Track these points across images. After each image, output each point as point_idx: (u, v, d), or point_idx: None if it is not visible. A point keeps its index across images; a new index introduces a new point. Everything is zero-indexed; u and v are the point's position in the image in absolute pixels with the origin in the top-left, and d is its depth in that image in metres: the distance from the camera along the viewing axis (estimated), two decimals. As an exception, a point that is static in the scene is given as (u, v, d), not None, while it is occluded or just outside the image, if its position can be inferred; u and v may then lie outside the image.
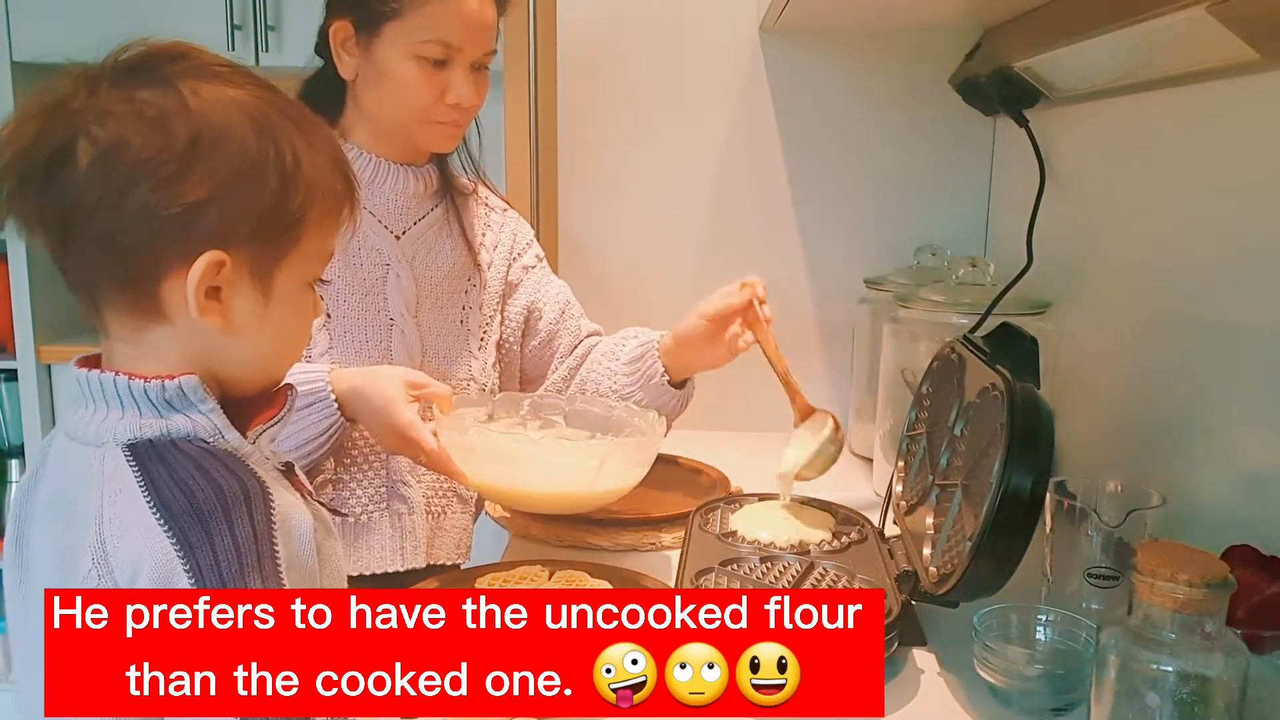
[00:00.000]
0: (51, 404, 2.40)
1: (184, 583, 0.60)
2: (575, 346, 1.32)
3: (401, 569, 1.18)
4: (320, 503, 0.75)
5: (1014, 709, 0.86)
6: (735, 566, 1.03)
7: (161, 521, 0.61)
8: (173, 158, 0.63)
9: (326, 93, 1.19)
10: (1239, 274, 0.96)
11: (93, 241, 0.64)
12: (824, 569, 1.03)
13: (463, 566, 1.27)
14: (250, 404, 0.72)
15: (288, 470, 0.72)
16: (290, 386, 0.75)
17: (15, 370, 2.36)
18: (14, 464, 2.48)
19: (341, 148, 0.73)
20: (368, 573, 1.16)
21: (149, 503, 0.62)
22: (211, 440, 0.66)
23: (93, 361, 0.69)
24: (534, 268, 1.32)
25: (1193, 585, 0.66)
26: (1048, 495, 0.94)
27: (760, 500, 1.22)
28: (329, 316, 1.16)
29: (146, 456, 0.64)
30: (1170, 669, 0.68)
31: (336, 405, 1.06)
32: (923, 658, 0.95)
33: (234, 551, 0.61)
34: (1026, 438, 0.86)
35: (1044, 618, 0.92)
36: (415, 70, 1.12)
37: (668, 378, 1.23)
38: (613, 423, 1.18)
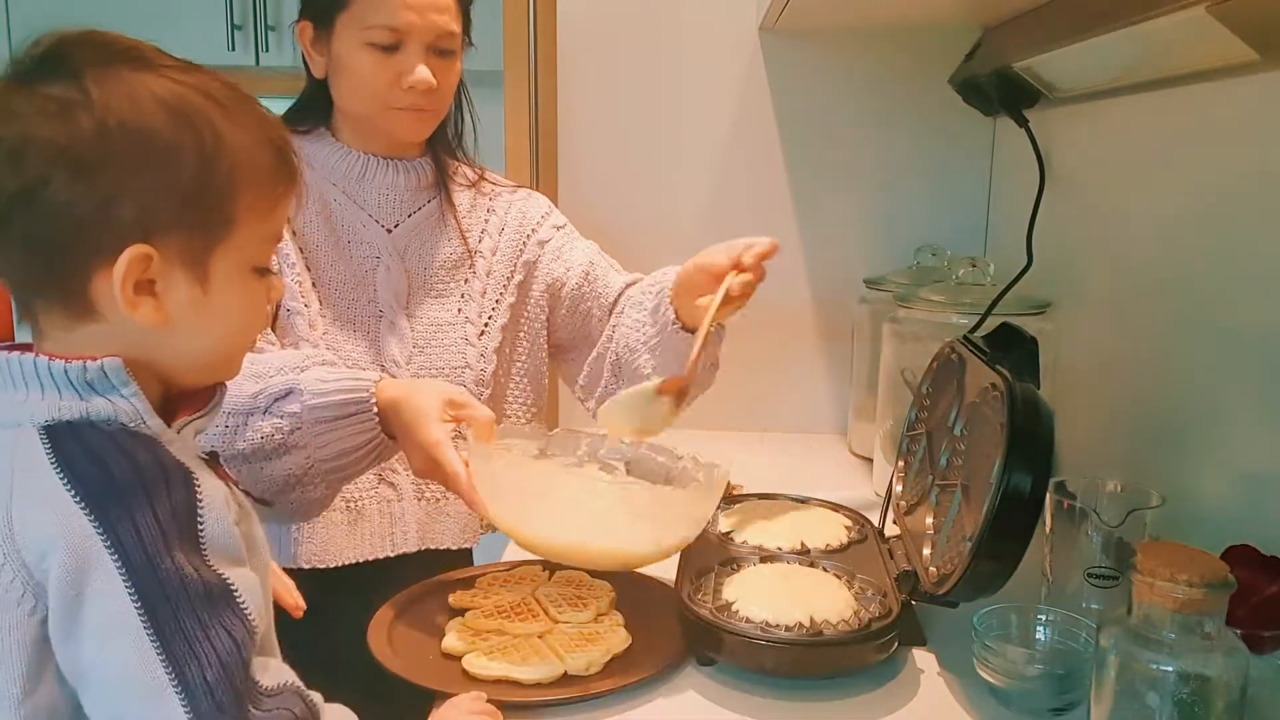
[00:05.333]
0: (51, 404, 2.39)
1: (105, 560, 0.59)
2: (613, 305, 1.28)
3: (392, 554, 1.19)
4: (245, 491, 0.73)
5: (1014, 709, 0.86)
6: (735, 566, 1.03)
7: (77, 499, 0.60)
8: (81, 150, 0.62)
9: (317, 98, 1.19)
10: (1239, 274, 0.96)
11: (15, 244, 0.63)
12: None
13: (474, 550, 1.28)
14: (182, 398, 0.70)
15: (211, 459, 0.70)
16: (219, 382, 0.73)
17: (15, 370, 2.36)
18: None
19: (279, 125, 0.70)
20: (361, 560, 1.17)
21: (63, 480, 0.60)
22: (132, 425, 0.64)
23: (22, 348, 0.67)
24: (550, 240, 1.29)
25: (1193, 585, 0.66)
26: (1048, 495, 0.94)
27: (760, 500, 1.22)
28: (321, 305, 1.15)
29: (61, 436, 0.62)
30: (1170, 669, 0.68)
31: (378, 418, 1.00)
32: (923, 658, 0.95)
33: (156, 527, 0.60)
34: (1026, 438, 0.86)
35: (1044, 618, 0.92)
36: (368, 59, 1.12)
37: (680, 324, 1.16)
38: (675, 474, 1.07)
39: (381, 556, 1.19)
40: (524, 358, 1.28)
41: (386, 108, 1.14)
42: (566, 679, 0.87)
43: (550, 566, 1.09)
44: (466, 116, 1.27)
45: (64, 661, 0.61)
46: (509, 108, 1.61)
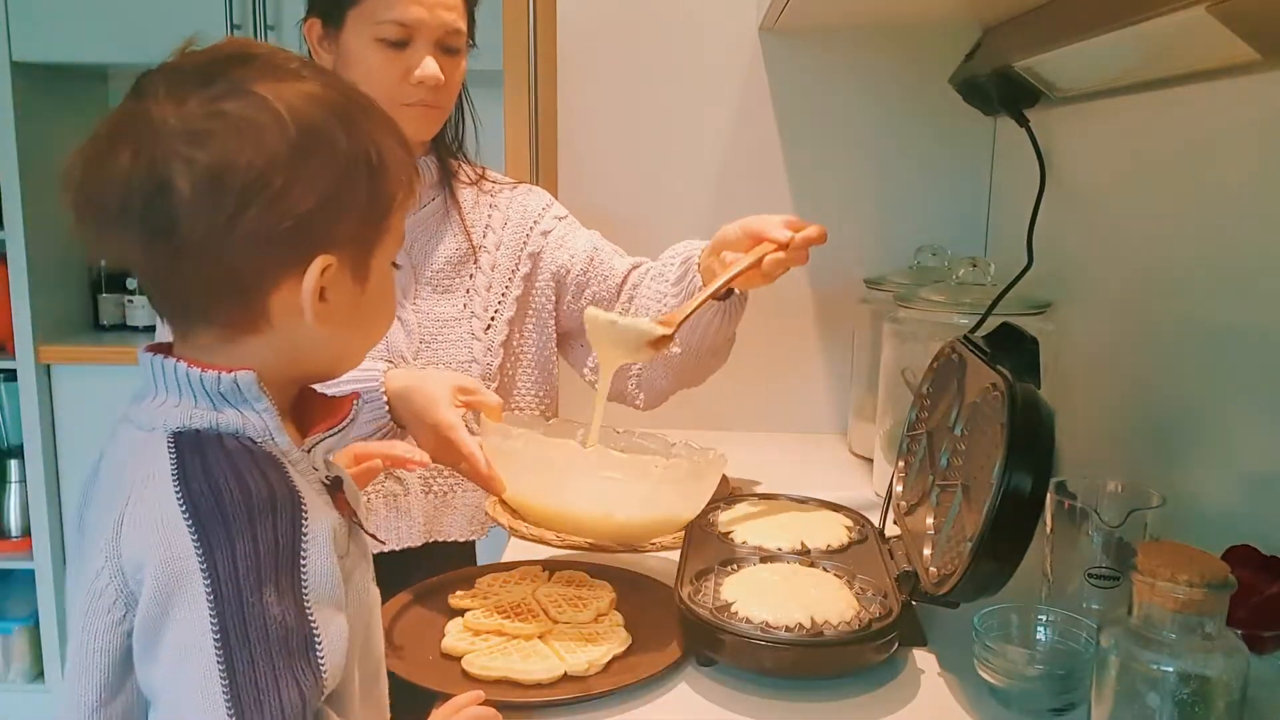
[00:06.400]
0: (51, 404, 2.40)
1: (197, 583, 0.58)
2: (620, 288, 1.29)
3: (397, 548, 1.21)
4: (363, 528, 0.72)
5: (1014, 709, 0.86)
6: (735, 566, 1.03)
7: (186, 515, 0.60)
8: (279, 172, 0.62)
9: None
10: (1239, 274, 0.96)
11: (202, 267, 0.63)
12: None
13: (476, 545, 1.29)
14: (312, 409, 0.71)
15: (335, 485, 0.69)
16: (356, 394, 0.73)
17: (15, 370, 2.36)
18: (13, 464, 2.47)
19: (391, 116, 0.72)
20: None
21: (178, 493, 0.60)
22: (260, 441, 0.64)
23: (163, 349, 0.68)
24: (552, 231, 1.31)
25: (1193, 585, 0.66)
26: (1048, 495, 0.94)
27: (760, 500, 1.22)
28: None
29: (188, 447, 0.62)
30: (1170, 669, 0.68)
31: (387, 407, 1.04)
32: (923, 658, 0.95)
33: (254, 558, 0.59)
34: (1026, 438, 0.86)
35: (1044, 618, 0.92)
36: (378, 54, 1.14)
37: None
38: (670, 457, 1.11)
39: (386, 550, 1.20)
40: (532, 349, 1.30)
41: (394, 104, 1.15)
42: (566, 679, 0.87)
43: (550, 567, 1.09)
44: (467, 119, 1.29)
45: (141, 674, 0.61)
46: (509, 108, 1.61)
